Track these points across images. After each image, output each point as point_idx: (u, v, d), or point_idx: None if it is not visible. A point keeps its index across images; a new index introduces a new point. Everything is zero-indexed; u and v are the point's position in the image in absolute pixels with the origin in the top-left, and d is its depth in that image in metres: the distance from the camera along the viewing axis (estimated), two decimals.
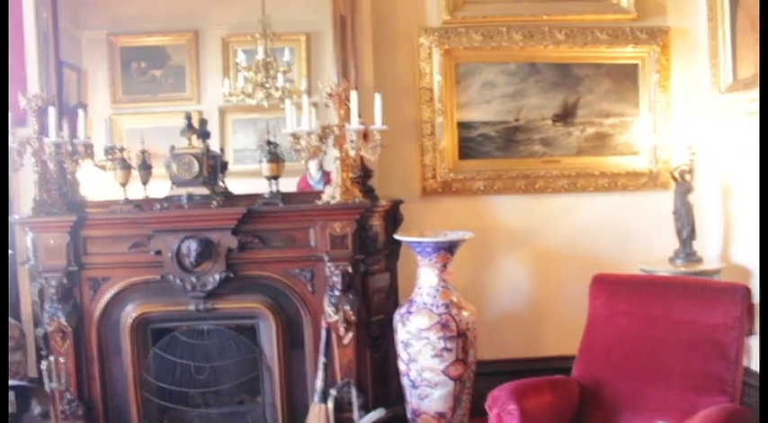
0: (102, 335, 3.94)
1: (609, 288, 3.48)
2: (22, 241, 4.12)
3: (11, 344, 3.98)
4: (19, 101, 3.86)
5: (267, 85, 4.20)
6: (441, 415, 3.74)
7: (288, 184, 3.99)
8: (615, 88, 4.44)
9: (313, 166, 4.16)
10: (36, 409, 3.94)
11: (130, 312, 3.91)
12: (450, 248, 3.76)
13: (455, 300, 3.78)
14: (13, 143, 3.77)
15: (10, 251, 4.24)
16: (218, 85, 4.31)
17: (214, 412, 4.08)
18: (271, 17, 4.17)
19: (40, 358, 4.00)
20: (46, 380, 3.76)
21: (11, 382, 2.89)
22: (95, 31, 4.36)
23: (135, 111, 4.41)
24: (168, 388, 3.97)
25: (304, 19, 4.31)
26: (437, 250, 3.73)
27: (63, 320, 3.85)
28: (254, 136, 4.35)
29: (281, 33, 4.22)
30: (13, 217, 4.01)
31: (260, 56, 4.18)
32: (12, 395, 2.70)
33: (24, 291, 4.28)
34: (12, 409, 3.55)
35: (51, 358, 3.77)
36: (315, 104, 3.77)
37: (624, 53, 4.43)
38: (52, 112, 3.77)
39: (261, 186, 3.93)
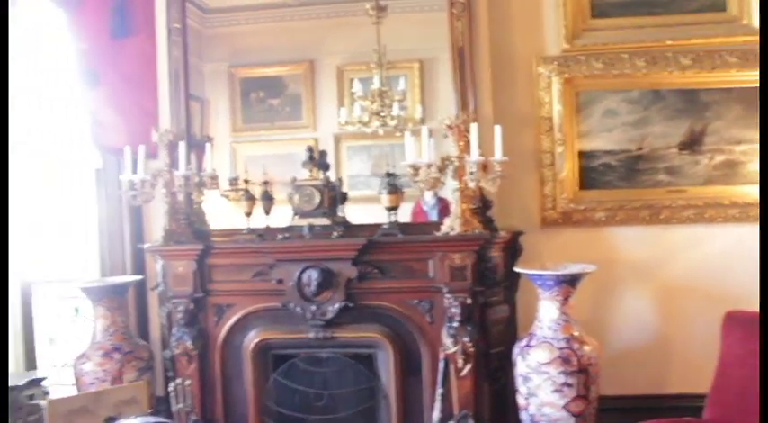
0: (225, 359, 4.08)
1: (743, 326, 3.29)
2: (152, 268, 4.32)
3: (140, 365, 4.17)
4: (152, 135, 4.07)
5: (383, 114, 4.25)
6: None
7: (401, 210, 3.98)
8: (746, 113, 4.20)
9: (428, 192, 4.15)
10: None
11: (252, 338, 4.03)
12: (571, 281, 3.68)
13: (576, 334, 3.69)
14: (146, 175, 3.97)
15: (140, 276, 4.47)
16: (333, 112, 4.40)
17: None
18: (386, 46, 4.21)
19: (167, 379, 4.17)
20: (173, 401, 3.91)
21: (158, 419, 3.03)
22: (217, 63, 4.55)
23: (253, 139, 4.57)
24: (287, 413, 4.04)
25: (417, 46, 4.34)
26: (558, 283, 3.66)
27: (189, 344, 4.02)
28: (368, 162, 4.41)
29: (395, 61, 4.25)
30: (145, 245, 4.23)
31: (376, 85, 4.24)
32: None
33: (153, 314, 4.50)
34: None
35: (178, 380, 3.91)
36: (430, 131, 3.78)
37: (756, 76, 4.19)
38: (182, 146, 3.95)
39: (374, 211, 3.97)
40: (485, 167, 3.66)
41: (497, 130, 3.66)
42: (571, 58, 4.24)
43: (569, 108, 4.25)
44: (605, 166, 4.28)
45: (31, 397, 4.44)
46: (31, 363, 5.06)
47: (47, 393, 4.55)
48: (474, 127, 3.67)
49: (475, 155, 3.63)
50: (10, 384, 4.45)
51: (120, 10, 4.42)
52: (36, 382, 4.51)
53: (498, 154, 3.64)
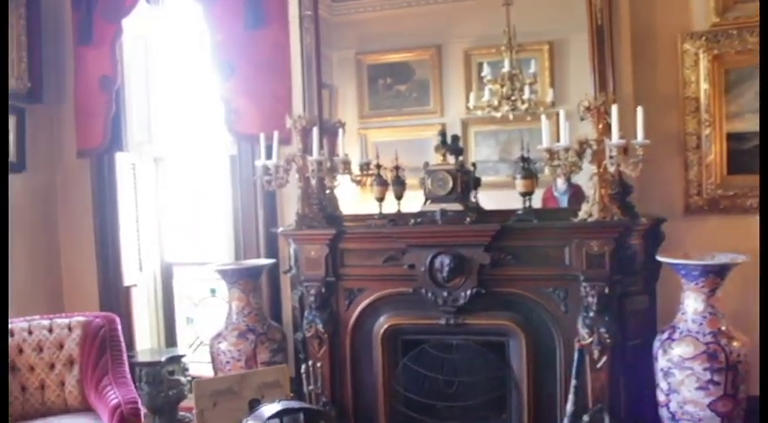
0: (355, 343, 4.12)
1: None
2: (285, 251, 4.42)
3: (273, 346, 4.28)
4: (285, 121, 4.14)
5: (513, 98, 4.14)
6: None
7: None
8: None
9: (560, 178, 4.01)
10: None
11: (383, 323, 4.05)
12: (719, 272, 3.48)
13: (724, 328, 3.50)
14: (280, 161, 4.05)
15: (273, 260, 4.57)
16: (460, 97, 4.34)
17: None
18: (515, 28, 4.10)
19: (297, 361, 4.25)
20: (304, 382, 3.99)
21: (302, 405, 3.07)
22: (345, 50, 4.58)
23: (380, 125, 4.57)
24: (416, 399, 4.04)
25: (546, 28, 4.21)
26: (705, 274, 3.47)
27: (320, 327, 4.09)
28: (496, 147, 4.33)
29: (524, 43, 4.14)
30: (278, 229, 4.32)
31: (506, 68, 4.14)
32: (301, 417, 2.87)
33: (286, 297, 4.59)
34: None
35: (309, 362, 3.98)
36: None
37: None
38: (315, 132, 4.00)
39: (502, 197, 3.92)
40: (625, 151, 3.50)
41: (639, 111, 3.48)
42: (721, 32, 3.94)
43: (718, 87, 3.97)
44: (758, 149, 3.97)
45: (172, 372, 4.67)
46: (170, 340, 5.33)
47: (186, 370, 4.77)
48: (614, 108, 3.50)
49: (615, 138, 3.47)
50: (152, 360, 4.71)
51: (254, 2, 4.52)
52: (176, 359, 4.74)
53: (640, 136, 3.46)
